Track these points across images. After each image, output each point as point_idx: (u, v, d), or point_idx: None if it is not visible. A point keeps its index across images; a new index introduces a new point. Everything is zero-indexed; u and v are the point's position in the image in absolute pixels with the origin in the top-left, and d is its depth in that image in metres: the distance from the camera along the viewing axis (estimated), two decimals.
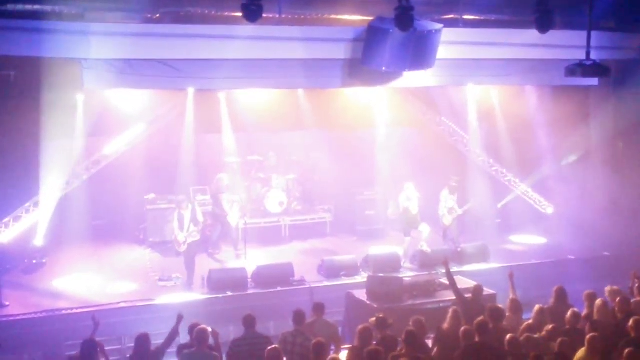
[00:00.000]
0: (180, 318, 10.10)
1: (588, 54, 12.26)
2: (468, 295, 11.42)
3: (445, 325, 10.19)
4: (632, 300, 10.89)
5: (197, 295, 14.22)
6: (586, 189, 18.77)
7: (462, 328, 9.40)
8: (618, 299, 10.65)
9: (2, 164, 15.31)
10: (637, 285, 11.35)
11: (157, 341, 9.90)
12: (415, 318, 9.89)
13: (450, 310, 10.37)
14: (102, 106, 16.12)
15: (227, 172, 17.79)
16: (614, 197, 17.64)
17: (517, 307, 10.79)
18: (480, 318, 9.58)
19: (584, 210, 18.50)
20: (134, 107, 16.40)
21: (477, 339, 9.24)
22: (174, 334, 9.96)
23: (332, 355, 9.27)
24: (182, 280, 14.77)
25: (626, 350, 8.58)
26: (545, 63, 16.40)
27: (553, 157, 18.79)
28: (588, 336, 9.19)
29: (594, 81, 16.76)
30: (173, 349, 9.91)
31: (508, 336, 9.15)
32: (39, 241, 15.82)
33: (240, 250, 16.83)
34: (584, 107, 18.93)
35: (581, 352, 9.12)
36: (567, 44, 15.39)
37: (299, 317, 9.99)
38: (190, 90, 16.17)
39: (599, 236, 17.67)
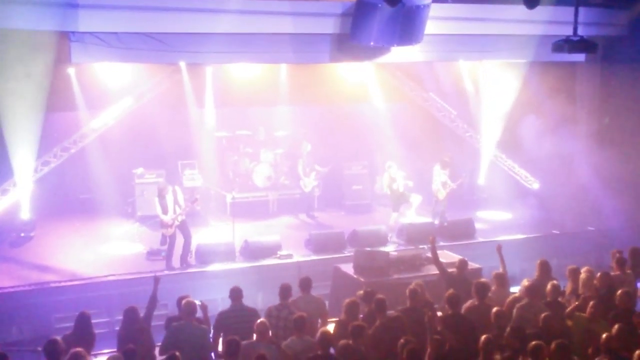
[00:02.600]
0: (157, 280, 10.20)
1: (575, 29, 12.28)
2: (452, 270, 11.53)
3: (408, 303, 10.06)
4: (612, 274, 11.06)
5: (185, 268, 14.31)
6: (572, 164, 18.88)
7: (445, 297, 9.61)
8: (599, 273, 10.79)
9: None
10: (617, 257, 11.51)
11: None
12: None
13: (408, 290, 10.07)
14: (90, 80, 16.09)
15: (308, 142, 18.20)
16: (599, 172, 17.75)
17: (503, 280, 10.88)
18: (451, 291, 9.74)
19: (569, 185, 18.64)
20: (121, 80, 16.33)
21: (449, 312, 9.43)
22: (153, 298, 10.05)
23: (322, 327, 9.39)
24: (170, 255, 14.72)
25: (616, 326, 8.72)
26: (533, 39, 16.46)
27: (539, 132, 18.85)
28: (591, 304, 9.46)
29: (581, 57, 16.85)
30: (162, 322, 9.99)
31: (494, 309, 9.27)
32: (25, 214, 15.81)
33: (314, 215, 17.88)
34: (571, 83, 18.98)
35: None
36: (554, 20, 15.49)
37: (284, 291, 10.07)
38: (182, 64, 16.12)
39: (585, 211, 17.83)
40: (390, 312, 9.62)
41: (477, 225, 17.20)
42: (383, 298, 9.57)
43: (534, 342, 8.04)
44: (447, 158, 17.17)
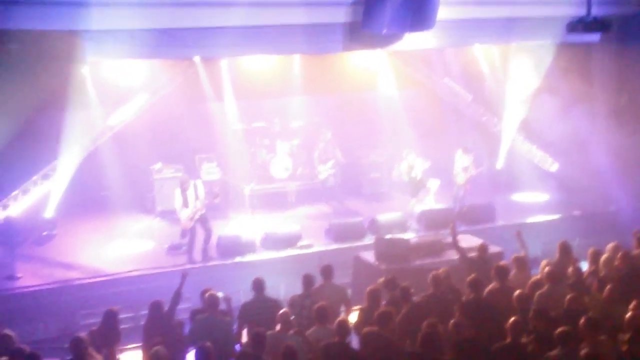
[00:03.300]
0: (184, 276, 10.29)
1: (589, 9, 12.22)
2: (473, 254, 11.53)
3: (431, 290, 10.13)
4: (634, 253, 11.01)
5: (207, 261, 14.39)
6: (591, 144, 18.77)
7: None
8: (620, 253, 10.76)
9: (6, 139, 15.35)
10: (638, 237, 11.46)
11: None
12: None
13: (430, 276, 10.10)
14: (105, 77, 16.17)
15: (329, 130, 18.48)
16: (618, 152, 17.63)
17: (523, 263, 10.86)
18: (473, 275, 9.75)
19: (588, 166, 18.54)
20: (136, 77, 16.42)
21: (471, 296, 9.44)
22: (178, 293, 10.12)
23: (342, 316, 9.43)
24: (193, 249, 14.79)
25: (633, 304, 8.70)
26: (547, 20, 16.33)
27: (556, 114, 18.76)
28: (608, 287, 9.40)
29: (595, 37, 16.70)
30: (186, 315, 10.07)
31: (516, 292, 9.28)
32: (49, 213, 15.96)
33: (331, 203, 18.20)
34: (586, 63, 18.85)
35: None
36: (568, 1, 15.34)
37: (307, 281, 10.14)
38: (197, 59, 16.16)
39: (605, 191, 17.73)
40: (414, 299, 9.65)
41: (516, 205, 17.16)
42: (408, 286, 9.59)
43: (560, 329, 8.00)
44: (469, 144, 17.15)
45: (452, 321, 8.49)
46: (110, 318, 9.64)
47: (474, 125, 19.54)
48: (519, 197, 18.77)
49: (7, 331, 8.99)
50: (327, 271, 10.54)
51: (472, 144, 17.27)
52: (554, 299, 9.43)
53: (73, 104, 15.46)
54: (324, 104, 19.53)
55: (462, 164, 17.01)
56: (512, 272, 10.76)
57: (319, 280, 10.42)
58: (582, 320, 8.12)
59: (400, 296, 9.53)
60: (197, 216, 14.33)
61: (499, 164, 19.67)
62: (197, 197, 14.35)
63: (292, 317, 9.43)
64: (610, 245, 11.13)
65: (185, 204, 14.33)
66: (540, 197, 18.57)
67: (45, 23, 12.96)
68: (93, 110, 16.48)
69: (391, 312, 8.87)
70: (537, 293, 9.70)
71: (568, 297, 9.10)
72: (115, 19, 13.22)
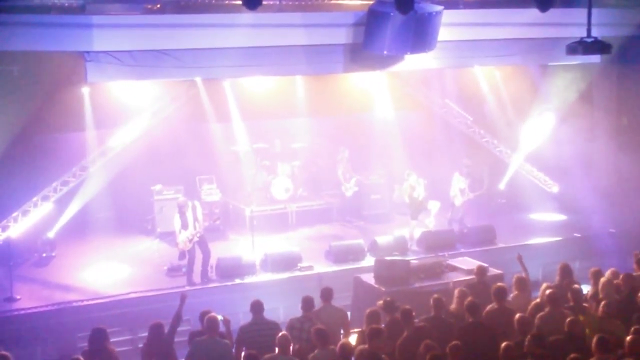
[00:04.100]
0: (183, 298, 10.21)
1: (589, 31, 12.21)
2: (472, 277, 11.47)
3: (453, 306, 10.30)
4: (635, 274, 10.95)
5: (207, 283, 14.32)
6: (591, 165, 18.75)
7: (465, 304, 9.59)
8: (622, 275, 10.70)
9: (8, 159, 15.36)
10: (639, 258, 11.41)
11: None
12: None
13: (456, 291, 10.47)
14: (105, 98, 16.19)
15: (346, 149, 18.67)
16: (619, 173, 17.61)
17: (523, 284, 10.79)
18: (470, 299, 9.71)
19: (589, 188, 18.50)
20: (137, 98, 16.43)
21: (470, 320, 9.39)
22: (178, 315, 10.05)
23: (342, 339, 9.36)
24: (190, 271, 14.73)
25: (632, 328, 8.64)
26: (547, 42, 16.38)
27: (557, 135, 18.76)
28: (601, 305, 9.39)
29: (596, 58, 16.71)
30: (185, 338, 10.01)
31: (517, 315, 9.22)
32: (52, 233, 15.94)
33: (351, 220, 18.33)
34: (587, 84, 18.86)
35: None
36: (567, 22, 15.36)
37: (307, 303, 10.07)
38: (198, 80, 16.18)
39: (605, 213, 17.68)
40: (415, 321, 9.60)
41: (517, 227, 17.22)
42: (409, 309, 9.53)
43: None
44: (466, 167, 17.14)
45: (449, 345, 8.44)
46: (98, 337, 9.49)
47: (474, 146, 19.50)
48: (520, 218, 18.71)
49: (4, 352, 8.91)
50: (326, 293, 10.48)
51: (471, 165, 17.22)
52: (555, 322, 9.35)
53: (73, 125, 15.46)
54: (325, 125, 19.57)
55: (459, 186, 17.00)
56: (514, 293, 10.75)
57: (318, 303, 10.36)
58: (594, 340, 8.13)
59: (402, 319, 9.47)
60: (195, 238, 14.28)
61: (502, 185, 19.62)
62: (195, 219, 14.31)
63: (292, 340, 9.36)
64: (609, 271, 11.06)
65: (185, 226, 14.28)
66: (541, 218, 18.49)
67: (46, 44, 13.06)
68: (93, 131, 16.46)
69: (380, 328, 8.85)
70: (538, 316, 9.63)
71: (568, 320, 9.03)
72: (117, 40, 13.27)
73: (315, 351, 8.96)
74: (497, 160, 19.72)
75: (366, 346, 8.53)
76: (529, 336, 8.59)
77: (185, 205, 14.41)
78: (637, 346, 8.24)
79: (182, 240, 14.28)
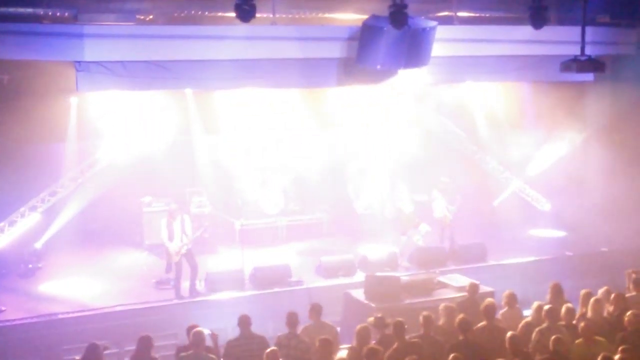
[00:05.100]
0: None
1: (583, 49, 12.23)
2: (463, 294, 11.41)
3: (440, 323, 10.22)
4: (627, 295, 10.89)
5: (195, 297, 14.17)
6: (583, 183, 18.72)
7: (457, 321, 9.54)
8: (613, 295, 10.63)
9: None
10: (632, 278, 11.34)
11: (157, 343, 9.92)
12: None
13: (442, 307, 10.43)
14: (95, 109, 16.09)
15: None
16: (611, 192, 17.58)
17: (514, 300, 10.83)
18: (461, 316, 9.64)
19: (581, 206, 18.46)
20: (127, 108, 16.32)
21: (460, 337, 9.33)
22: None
23: (338, 356, 9.29)
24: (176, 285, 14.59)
25: (620, 347, 8.58)
26: (540, 59, 16.39)
27: (549, 152, 18.73)
28: (582, 327, 9.35)
29: (589, 76, 16.74)
30: (172, 352, 9.87)
31: (509, 333, 9.17)
32: (39, 244, 15.77)
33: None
34: (580, 102, 18.88)
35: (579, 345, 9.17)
36: (561, 40, 15.38)
37: (291, 319, 9.98)
38: (188, 91, 16.10)
39: (597, 232, 17.62)
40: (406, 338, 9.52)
41: (507, 245, 17.17)
42: (402, 321, 9.47)
43: None
44: (443, 184, 16.99)
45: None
46: (93, 353, 9.39)
47: (465, 162, 19.45)
48: (511, 236, 18.62)
49: None
50: (315, 310, 10.40)
51: (448, 183, 17.07)
52: (544, 342, 9.31)
53: (62, 136, 15.35)
54: (317, 139, 19.46)
55: (442, 203, 16.82)
56: (504, 309, 10.77)
57: (306, 319, 10.24)
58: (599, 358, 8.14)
59: (394, 331, 9.38)
60: (183, 250, 14.15)
61: (496, 202, 19.56)
62: (183, 232, 14.17)
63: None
64: (601, 290, 11.00)
65: (171, 237, 14.13)
66: (533, 235, 18.42)
67: (37, 54, 12.99)
68: (82, 142, 16.34)
69: (378, 349, 8.78)
70: (536, 329, 9.60)
71: (553, 338, 9.02)
72: (108, 50, 13.21)
73: None
74: (489, 177, 19.65)
75: None
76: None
77: (175, 212, 14.26)
78: None
79: (173, 251, 14.14)
